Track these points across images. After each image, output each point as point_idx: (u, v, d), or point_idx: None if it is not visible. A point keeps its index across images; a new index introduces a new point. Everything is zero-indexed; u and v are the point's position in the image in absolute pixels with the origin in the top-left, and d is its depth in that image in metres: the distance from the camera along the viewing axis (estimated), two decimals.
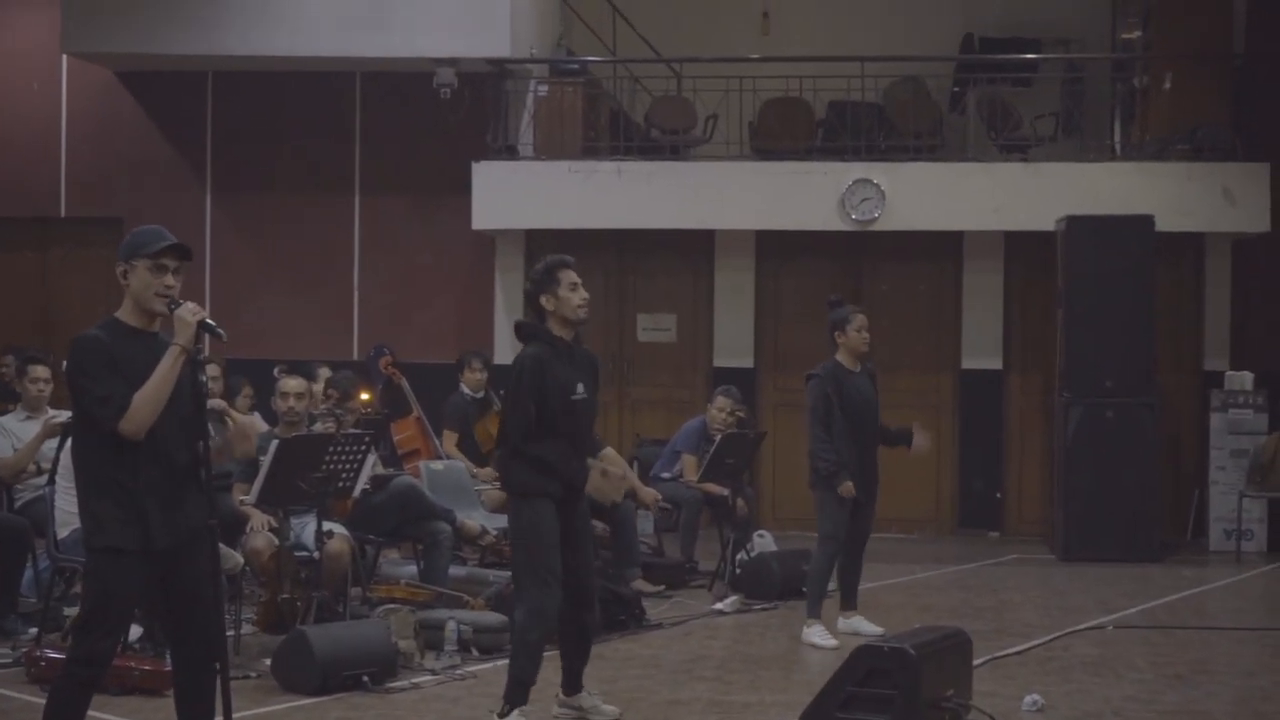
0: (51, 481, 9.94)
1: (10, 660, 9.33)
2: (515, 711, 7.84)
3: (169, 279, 6.20)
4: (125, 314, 6.26)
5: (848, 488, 10.44)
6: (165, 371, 6.10)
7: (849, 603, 10.99)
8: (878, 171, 16.12)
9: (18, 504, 10.76)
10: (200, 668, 6.27)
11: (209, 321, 6.17)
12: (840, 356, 10.65)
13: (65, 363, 6.25)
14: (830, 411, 10.49)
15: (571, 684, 8.31)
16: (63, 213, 17.90)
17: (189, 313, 6.13)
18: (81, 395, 6.13)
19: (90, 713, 7.46)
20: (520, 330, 8.23)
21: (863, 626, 10.73)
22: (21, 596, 10.50)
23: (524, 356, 7.98)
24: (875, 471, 10.88)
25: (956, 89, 17.67)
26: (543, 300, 8.04)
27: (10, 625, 10.08)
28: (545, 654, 8.01)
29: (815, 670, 9.19)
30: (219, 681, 6.18)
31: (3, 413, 11.93)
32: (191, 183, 17.98)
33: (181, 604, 6.26)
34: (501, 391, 9.07)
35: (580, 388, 8.02)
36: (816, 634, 10.47)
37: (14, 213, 18.14)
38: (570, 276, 8.02)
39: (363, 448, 9.78)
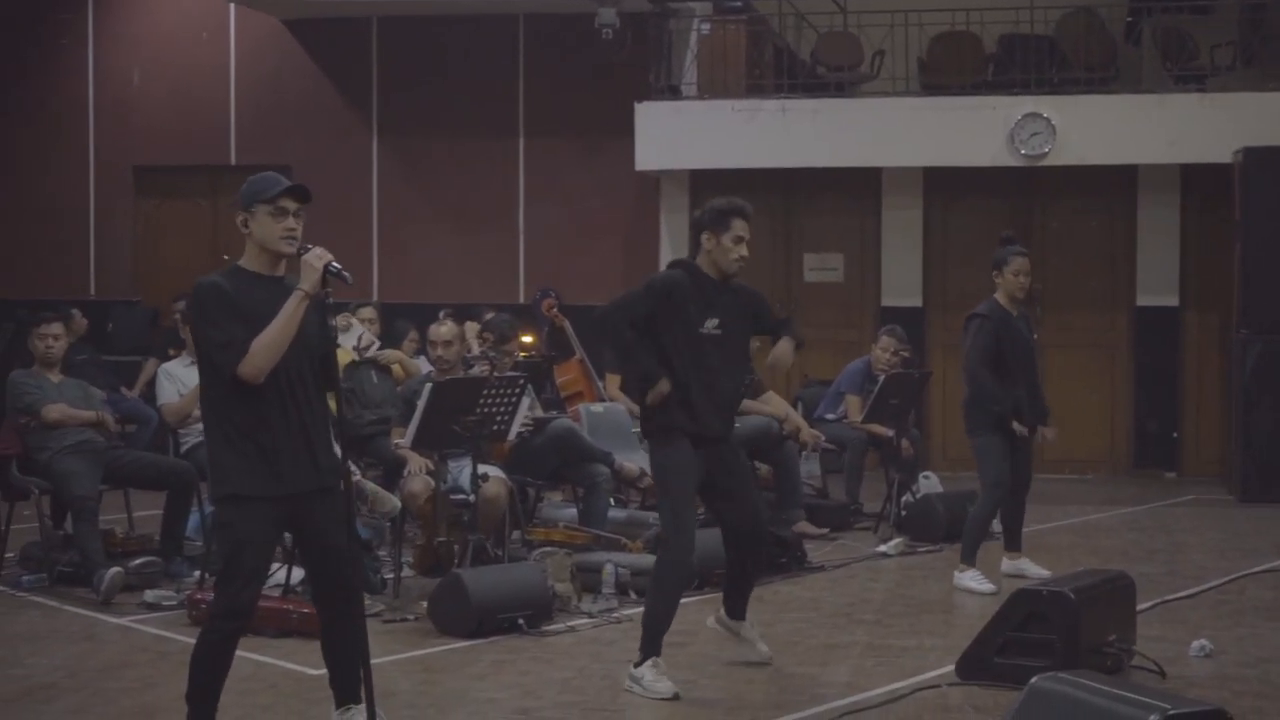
0: None
1: (175, 603, 9.44)
2: (649, 662, 7.69)
3: (290, 221, 6.15)
4: (249, 261, 6.25)
5: (1021, 430, 10.20)
6: (288, 315, 6.05)
7: (1014, 544, 10.76)
8: (1048, 105, 15.76)
9: (183, 449, 10.88)
10: (339, 612, 6.29)
11: (335, 265, 6.11)
12: (999, 297, 10.39)
13: (188, 307, 6.26)
14: (998, 353, 10.23)
15: (734, 610, 8.22)
16: (233, 160, 18.10)
17: (315, 257, 6.07)
18: (202, 340, 6.15)
19: (249, 655, 7.62)
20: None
21: (1028, 568, 10.52)
22: (187, 539, 10.62)
23: (655, 275, 7.88)
24: (1039, 414, 10.58)
25: (1131, 19, 17.19)
26: (704, 236, 7.85)
27: (176, 568, 10.20)
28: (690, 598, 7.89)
29: (976, 615, 9.00)
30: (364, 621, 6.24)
31: (169, 358, 12.11)
32: (358, 129, 18.11)
33: (316, 549, 6.29)
34: None
35: (713, 323, 7.72)
36: (970, 578, 10.26)
37: (186, 161, 18.40)
38: (740, 228, 7.77)
39: (517, 391, 9.74)
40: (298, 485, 6.13)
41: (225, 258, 6.29)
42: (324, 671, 7.77)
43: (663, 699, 7.49)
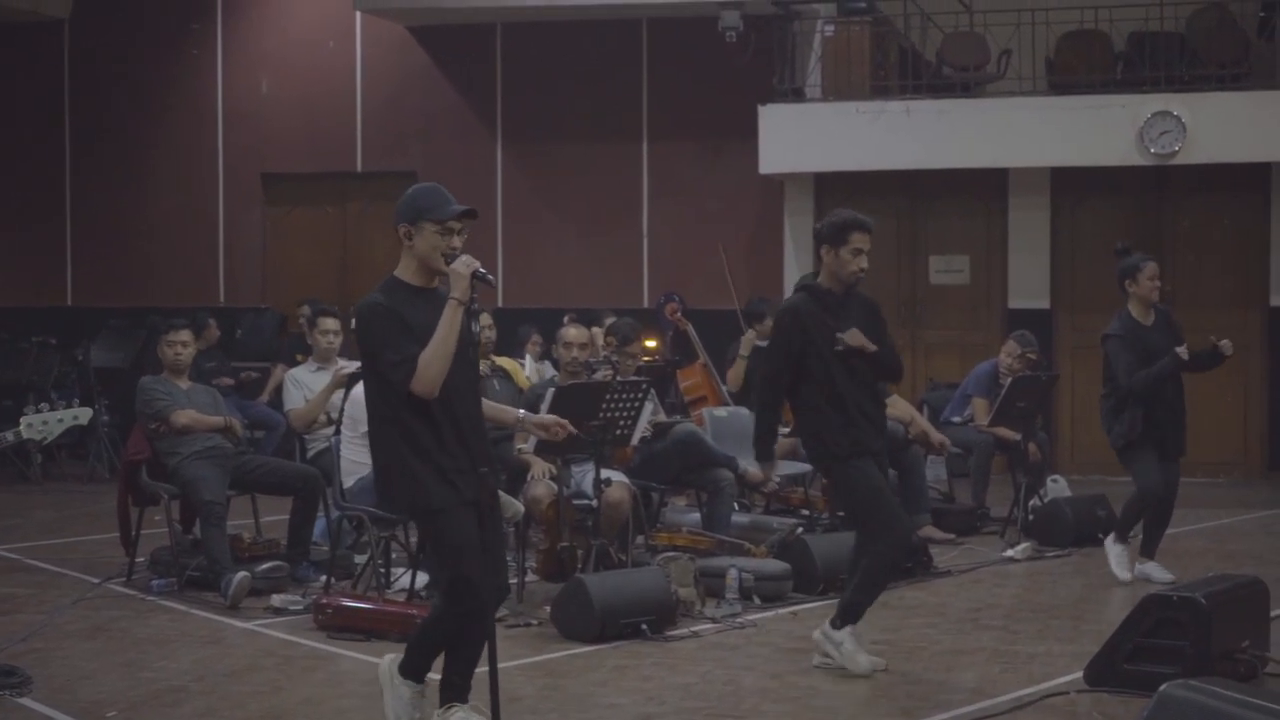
0: (338, 432, 10.12)
1: (301, 607, 9.50)
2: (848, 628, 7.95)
3: (455, 240, 6.25)
4: (406, 273, 6.33)
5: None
6: (448, 326, 6.15)
7: (1149, 550, 10.65)
8: (1177, 103, 15.53)
9: (310, 454, 10.97)
10: (486, 615, 6.28)
11: (480, 270, 6.17)
12: (1131, 306, 10.33)
13: (355, 328, 6.33)
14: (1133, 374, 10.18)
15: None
16: (359, 167, 18.25)
17: (463, 265, 6.15)
18: (375, 361, 6.24)
19: (371, 659, 7.64)
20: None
21: (1154, 573, 10.40)
22: (314, 544, 10.70)
23: (782, 309, 8.12)
24: (1183, 423, 10.48)
25: (1264, 14, 16.89)
26: (823, 250, 8.05)
27: (302, 573, 10.28)
28: None
29: (1105, 620, 8.87)
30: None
31: (296, 364, 12.21)
32: (482, 134, 18.20)
33: (485, 552, 6.35)
34: None
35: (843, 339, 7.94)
36: (1116, 555, 10.50)
37: (314, 168, 18.58)
38: (859, 241, 7.94)
39: (640, 395, 9.71)
40: (475, 489, 6.26)
41: (390, 274, 6.39)
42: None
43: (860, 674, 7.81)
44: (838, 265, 7.97)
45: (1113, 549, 10.54)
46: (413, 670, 6.55)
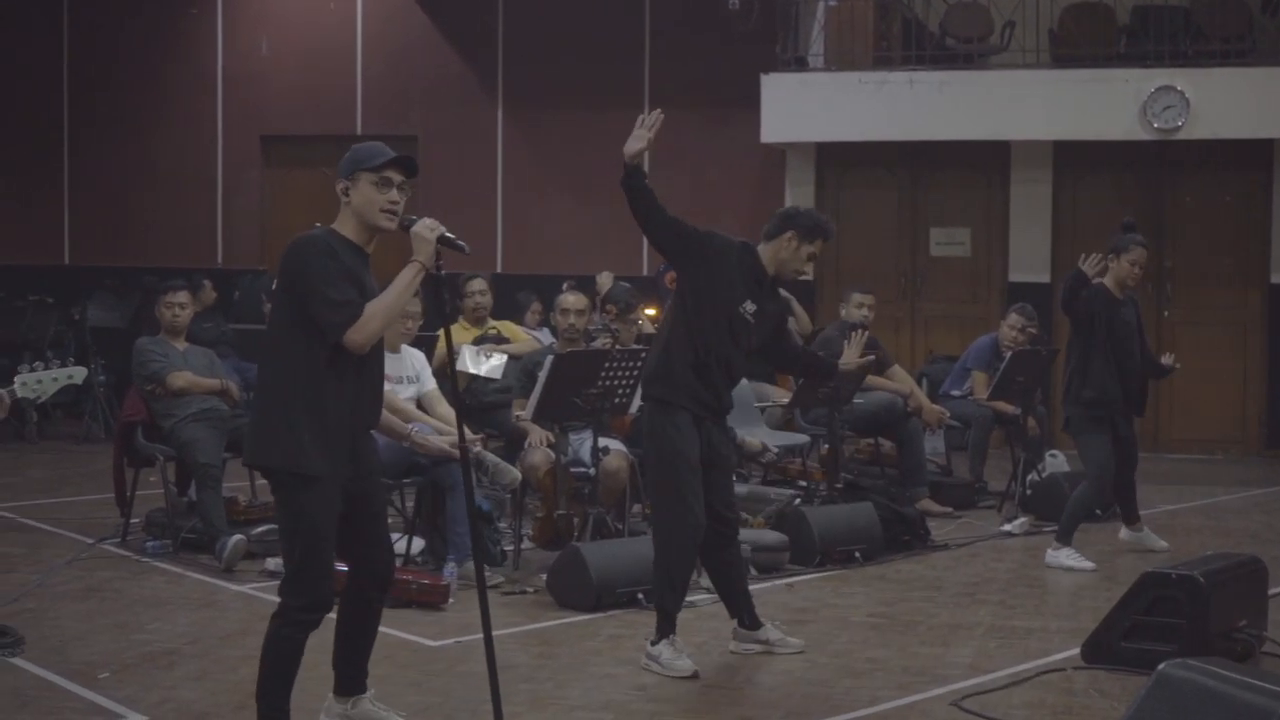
0: None
1: None
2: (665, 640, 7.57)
3: (394, 194, 5.85)
4: (343, 228, 5.90)
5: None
6: (404, 286, 5.81)
7: (1131, 516, 10.68)
8: (1181, 78, 15.47)
9: None
10: (377, 594, 6.11)
11: (448, 235, 5.82)
12: (1107, 281, 10.26)
13: (280, 260, 5.86)
14: (1094, 332, 10.10)
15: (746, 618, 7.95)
16: (359, 130, 18.15)
17: (426, 229, 5.76)
18: (310, 297, 5.70)
19: None
20: None
21: (1149, 540, 10.43)
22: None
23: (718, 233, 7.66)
24: (1140, 399, 10.42)
25: None
26: (787, 235, 7.65)
27: None
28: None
29: (1102, 597, 8.84)
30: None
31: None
32: (483, 99, 18.13)
33: (365, 529, 6.01)
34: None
35: (751, 308, 7.55)
36: (1066, 555, 10.20)
37: (313, 131, 18.49)
38: (818, 248, 7.70)
39: (639, 364, 9.65)
40: (358, 463, 5.89)
41: (317, 225, 5.96)
42: (444, 642, 7.86)
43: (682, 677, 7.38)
44: (793, 258, 7.63)
45: (1057, 555, 10.20)
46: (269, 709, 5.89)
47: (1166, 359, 10.89)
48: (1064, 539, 10.25)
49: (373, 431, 6.09)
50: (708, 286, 7.50)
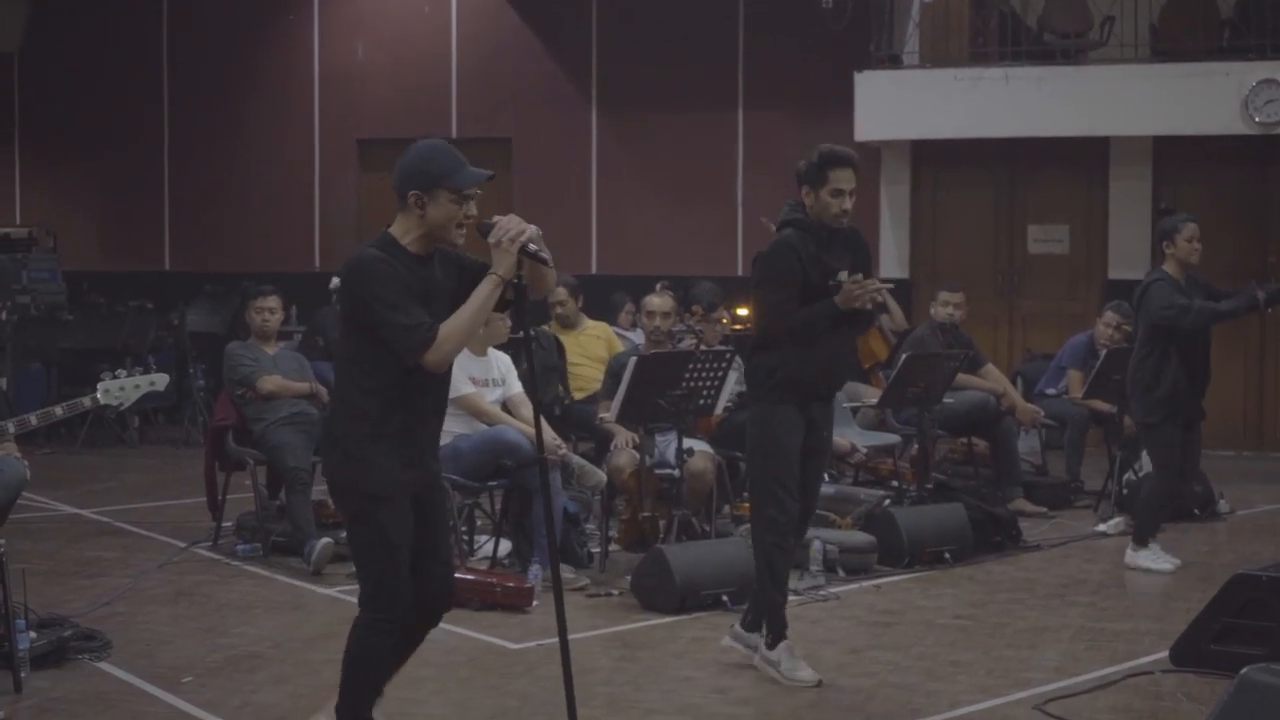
0: None
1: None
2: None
3: (471, 208, 5.58)
4: (407, 238, 5.63)
5: None
6: (481, 302, 5.52)
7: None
8: None
9: None
10: (435, 611, 5.97)
11: (531, 247, 5.50)
12: (1168, 267, 10.04)
13: (342, 284, 5.66)
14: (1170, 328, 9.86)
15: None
16: (454, 133, 18.17)
17: (508, 240, 5.45)
18: (380, 324, 5.49)
19: (452, 628, 7.62)
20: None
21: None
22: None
23: (772, 250, 7.40)
24: (1203, 391, 10.15)
25: None
26: (803, 190, 7.36)
27: None
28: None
29: (1195, 599, 8.67)
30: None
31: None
32: (577, 101, 18.12)
33: (429, 546, 5.85)
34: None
35: (842, 275, 7.27)
36: (1144, 557, 10.00)
37: (409, 134, 18.38)
38: (839, 179, 7.21)
39: (724, 365, 9.62)
40: (422, 484, 5.76)
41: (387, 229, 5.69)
42: (526, 645, 7.86)
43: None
44: (819, 208, 7.26)
45: (1136, 555, 10.04)
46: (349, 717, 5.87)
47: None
48: (1141, 540, 10.07)
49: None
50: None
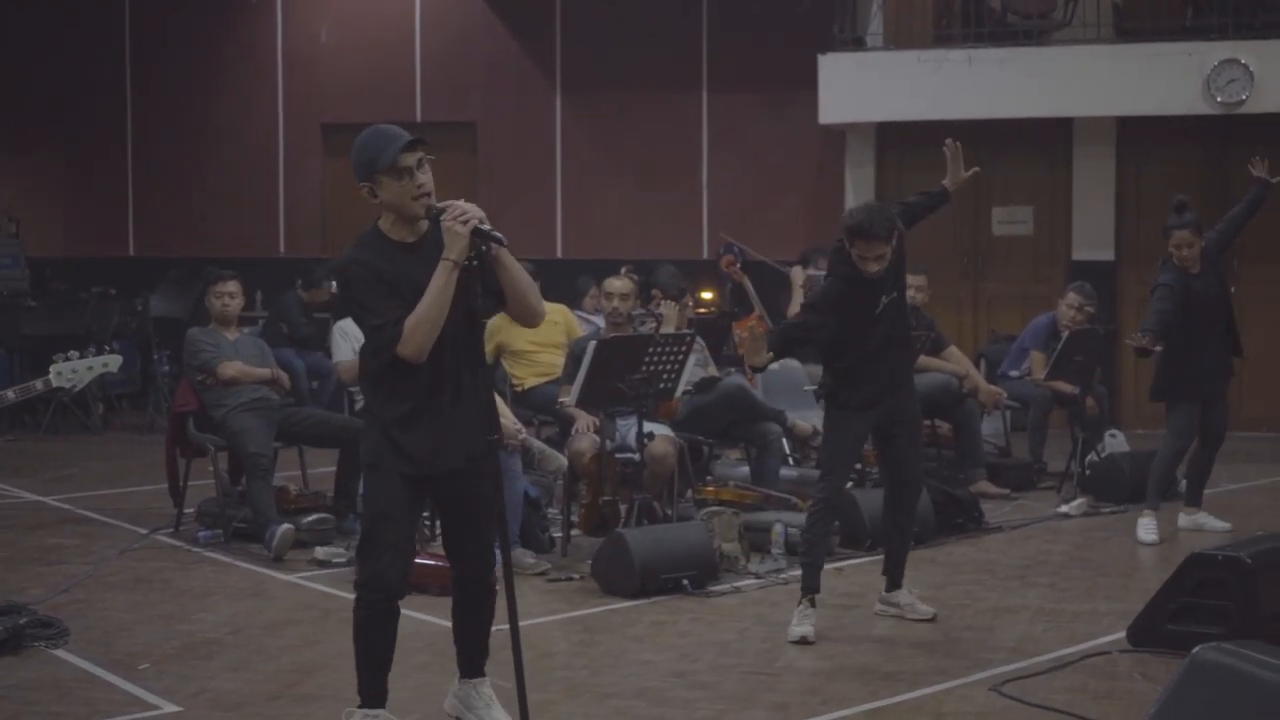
0: None
1: (345, 560, 9.46)
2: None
3: (418, 177, 5.71)
4: (387, 227, 5.84)
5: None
6: (437, 291, 5.64)
7: (1194, 499, 10.55)
8: (1245, 50, 15.23)
9: (358, 407, 10.93)
10: (474, 586, 6.17)
11: (483, 227, 5.60)
12: (1176, 260, 10.22)
13: (337, 290, 6.13)
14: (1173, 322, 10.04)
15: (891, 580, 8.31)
16: (418, 118, 18.14)
17: (459, 221, 5.58)
18: (359, 323, 5.93)
19: (410, 613, 7.55)
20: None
21: (1208, 523, 10.32)
22: (360, 496, 10.66)
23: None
24: (1227, 369, 10.36)
25: None
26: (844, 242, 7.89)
27: (349, 525, 10.23)
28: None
29: (1155, 578, 8.67)
30: (494, 596, 6.21)
31: (344, 316, 12.16)
32: (542, 85, 18.10)
33: (459, 524, 6.07)
34: None
35: (886, 299, 7.94)
36: (1143, 527, 10.28)
37: (373, 118, 18.24)
38: (861, 249, 7.75)
39: (684, 348, 9.61)
40: (448, 462, 5.86)
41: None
42: None
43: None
44: (859, 261, 7.81)
45: (1142, 521, 10.38)
46: (367, 696, 6.05)
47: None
48: (1151, 504, 10.37)
49: None
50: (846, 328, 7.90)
